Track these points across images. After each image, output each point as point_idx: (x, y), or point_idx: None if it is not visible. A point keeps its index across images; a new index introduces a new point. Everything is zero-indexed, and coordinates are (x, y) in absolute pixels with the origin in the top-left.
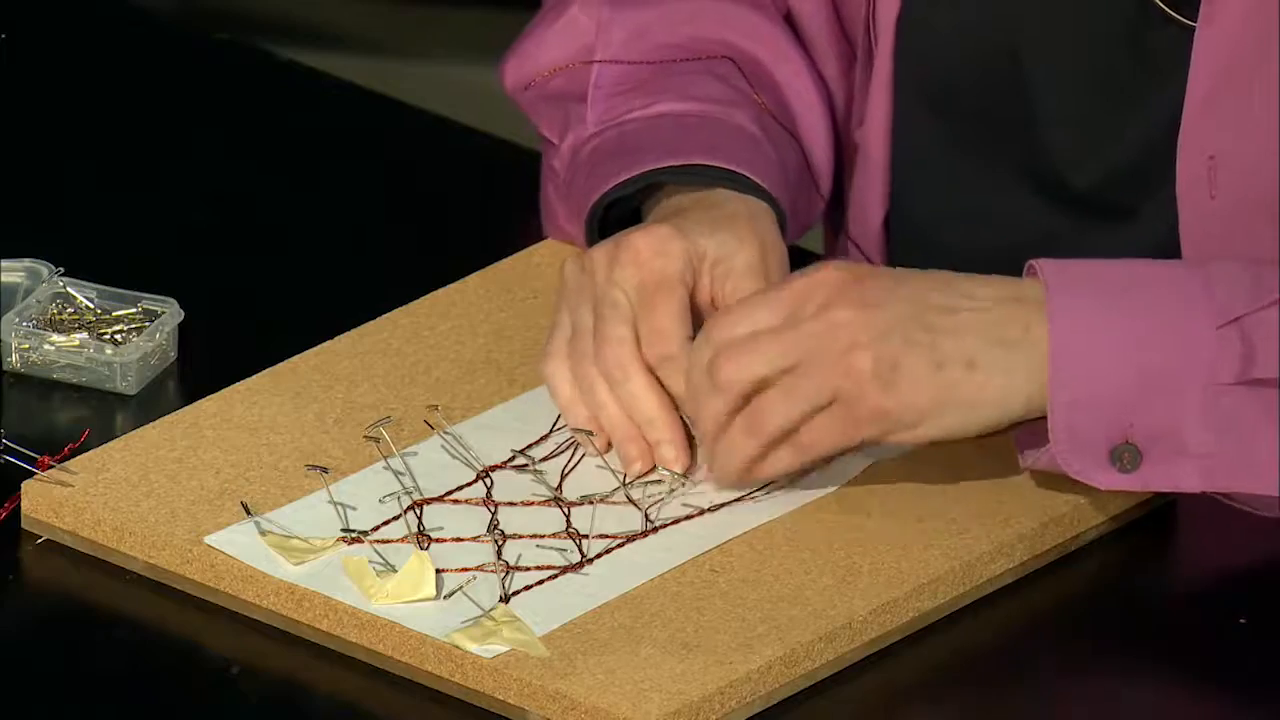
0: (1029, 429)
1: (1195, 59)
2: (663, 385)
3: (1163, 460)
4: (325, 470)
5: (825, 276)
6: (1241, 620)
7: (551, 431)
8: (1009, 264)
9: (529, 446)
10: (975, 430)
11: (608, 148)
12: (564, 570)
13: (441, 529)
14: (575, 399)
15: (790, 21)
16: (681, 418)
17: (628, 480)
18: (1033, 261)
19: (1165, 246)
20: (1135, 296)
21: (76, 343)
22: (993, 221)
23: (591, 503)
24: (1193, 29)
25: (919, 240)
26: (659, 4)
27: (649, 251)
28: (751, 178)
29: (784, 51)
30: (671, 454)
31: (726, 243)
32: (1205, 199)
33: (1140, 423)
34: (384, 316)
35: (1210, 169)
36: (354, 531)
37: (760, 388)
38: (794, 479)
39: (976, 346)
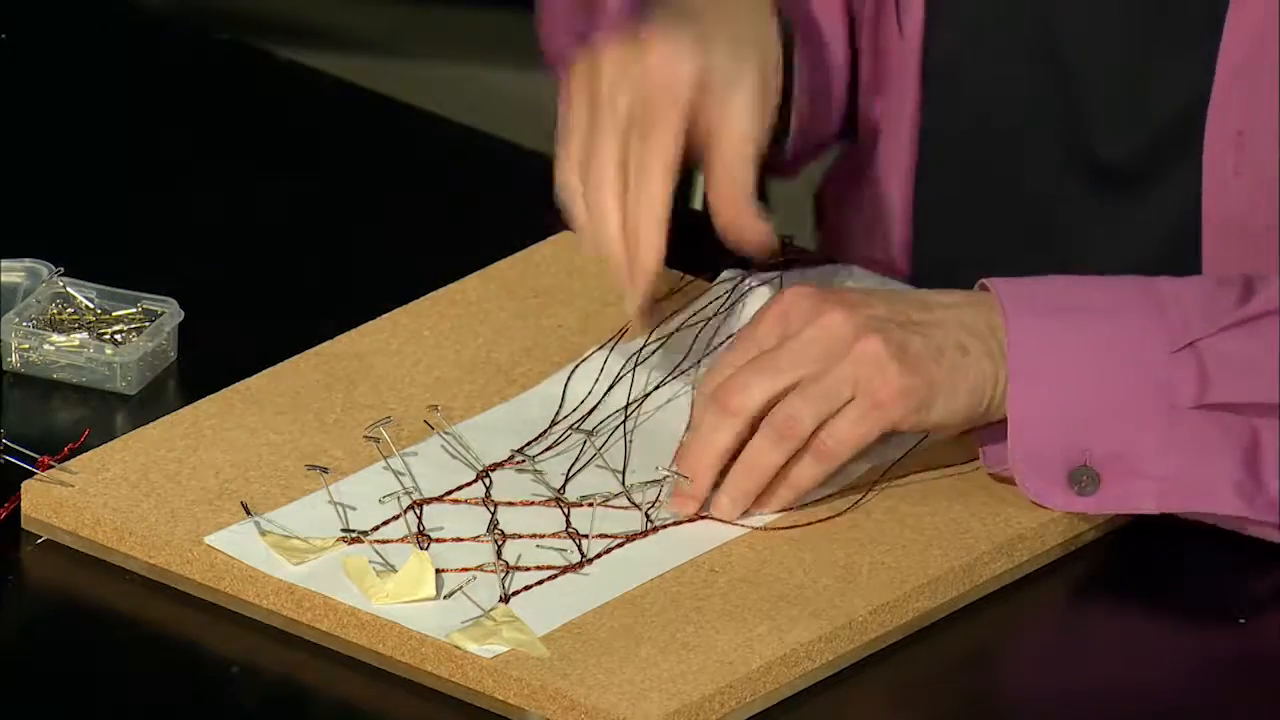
0: (991, 431)
1: (1227, 32)
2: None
3: (1119, 482)
4: (325, 470)
5: (797, 294)
6: (1241, 620)
7: (550, 428)
8: (1036, 237)
9: (528, 444)
10: (973, 416)
11: None
12: (564, 570)
13: (441, 529)
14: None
15: None
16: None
17: (627, 479)
18: (985, 280)
19: (1189, 218)
20: (1091, 321)
21: (76, 343)
22: (1022, 193)
23: (591, 503)
24: None
25: (947, 215)
26: None
27: (662, 68)
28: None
29: None
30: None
31: (741, 69)
32: (1230, 174)
33: (1097, 446)
34: (384, 316)
35: (1237, 144)
36: (354, 531)
37: (769, 410)
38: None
39: (961, 335)
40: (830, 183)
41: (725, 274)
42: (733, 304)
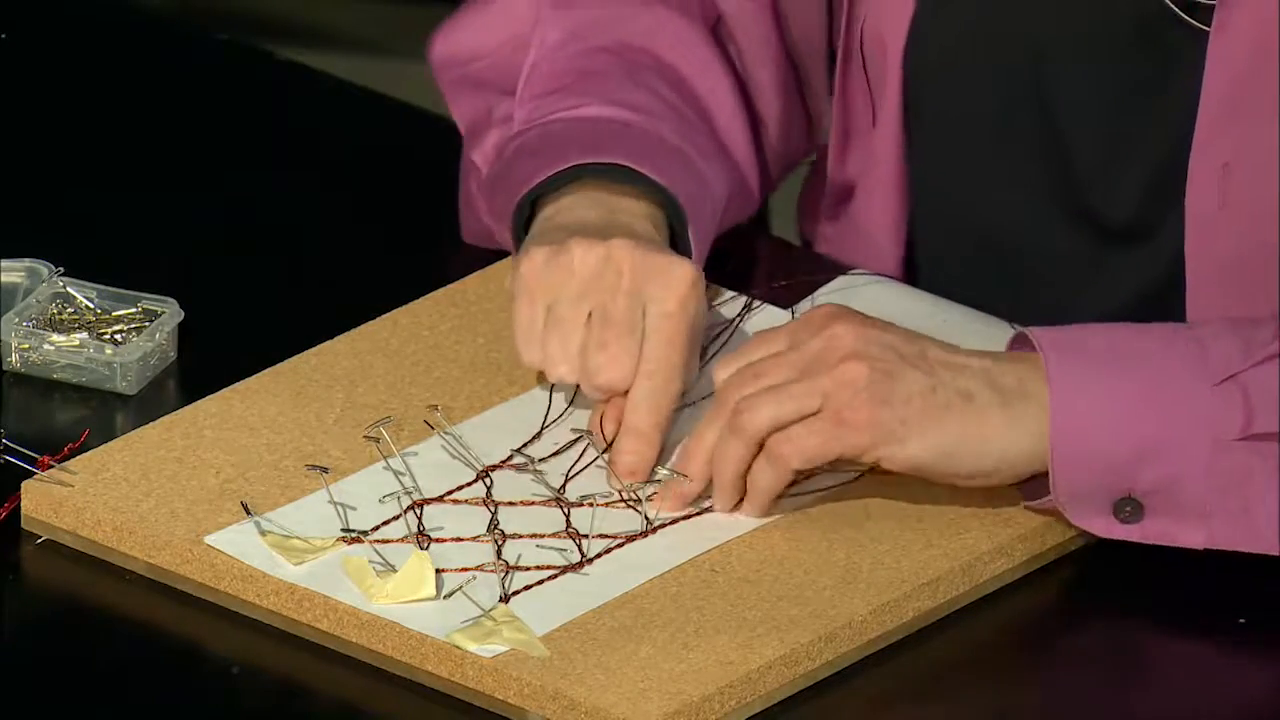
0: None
1: (1209, 67)
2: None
3: (1164, 514)
4: (325, 470)
5: (824, 308)
6: (1241, 620)
7: (544, 429)
8: (1030, 286)
9: (525, 445)
10: (969, 465)
11: (531, 145)
12: (564, 570)
13: (441, 529)
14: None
15: (721, 26)
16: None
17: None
18: (1024, 330)
19: (1178, 260)
20: (1132, 361)
21: (76, 343)
22: (1016, 242)
23: (592, 503)
24: (1207, 33)
25: (940, 265)
26: (594, 5)
27: (692, 283)
28: (670, 190)
29: (708, 65)
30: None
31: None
32: (1215, 208)
33: (1142, 483)
34: (384, 316)
35: (1224, 177)
36: (354, 531)
37: None
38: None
39: (975, 385)
40: (812, 219)
41: (728, 294)
42: (739, 313)
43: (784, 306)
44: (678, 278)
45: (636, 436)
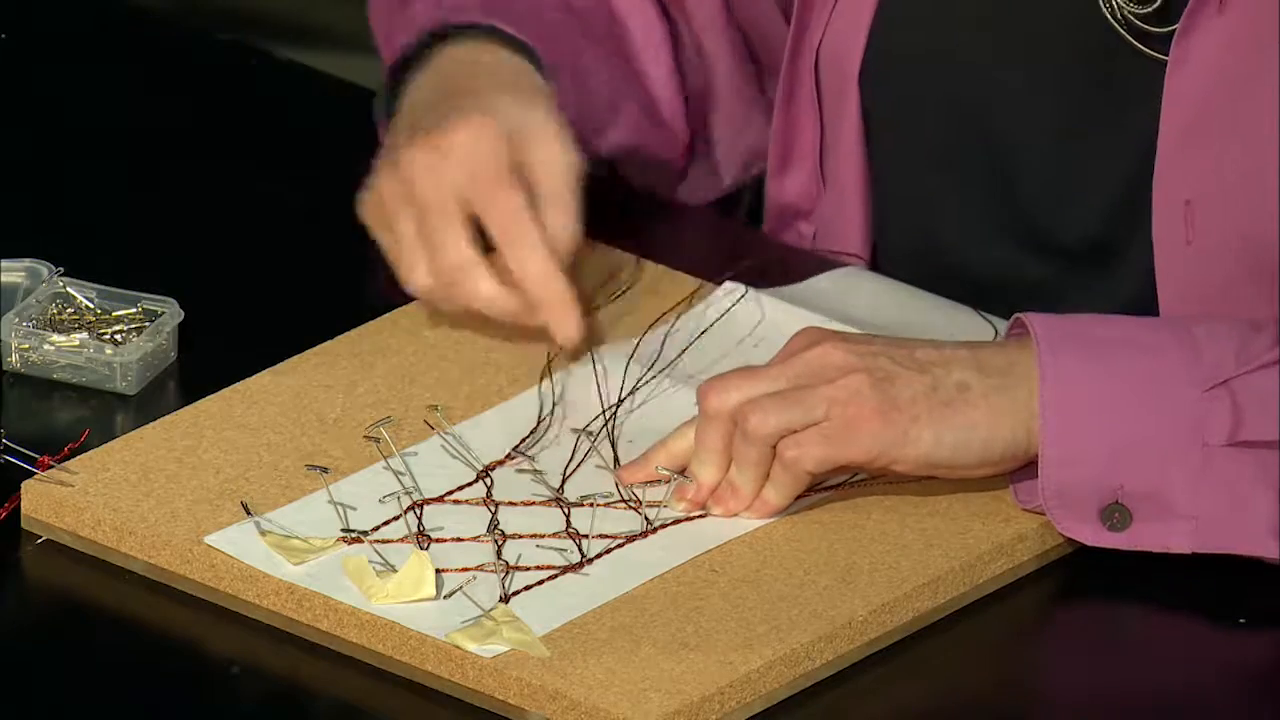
0: (1025, 471)
1: (1167, 101)
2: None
3: (1152, 520)
4: (325, 470)
5: (804, 332)
6: (1241, 620)
7: (539, 425)
8: (1002, 310)
9: (523, 441)
10: (974, 455)
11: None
12: (564, 570)
13: (441, 529)
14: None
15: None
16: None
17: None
18: (1020, 315)
19: (1146, 290)
20: (1124, 359)
21: (76, 343)
22: (975, 273)
23: (592, 503)
24: (1163, 64)
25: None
26: None
27: (472, 145)
28: (525, 41)
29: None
30: (564, 329)
31: (531, 114)
32: (1181, 243)
33: (1130, 484)
34: (384, 316)
35: (1187, 213)
36: (354, 531)
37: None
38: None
39: (967, 374)
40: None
41: (727, 285)
42: (732, 309)
43: (775, 289)
44: (450, 145)
45: (558, 305)
